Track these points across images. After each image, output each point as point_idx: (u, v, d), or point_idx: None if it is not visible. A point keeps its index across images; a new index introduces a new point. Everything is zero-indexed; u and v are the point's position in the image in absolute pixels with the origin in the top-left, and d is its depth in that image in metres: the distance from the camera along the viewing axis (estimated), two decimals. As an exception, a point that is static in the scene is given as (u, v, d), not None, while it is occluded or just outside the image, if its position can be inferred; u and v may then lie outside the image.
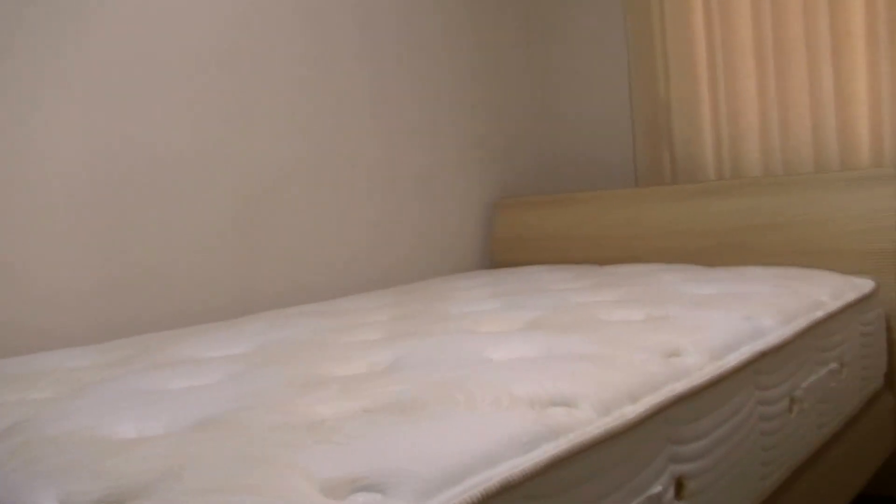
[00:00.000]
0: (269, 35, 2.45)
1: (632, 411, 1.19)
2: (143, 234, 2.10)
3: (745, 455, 1.49)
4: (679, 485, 1.30)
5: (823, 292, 2.08)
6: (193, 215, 2.22)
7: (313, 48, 2.59)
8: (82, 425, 1.09)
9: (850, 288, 2.21)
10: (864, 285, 2.29)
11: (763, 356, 1.60)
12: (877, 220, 2.46)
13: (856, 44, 2.80)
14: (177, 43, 2.20)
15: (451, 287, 2.42)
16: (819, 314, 1.92)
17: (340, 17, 2.68)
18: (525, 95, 3.52)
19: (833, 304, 2.03)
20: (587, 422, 1.12)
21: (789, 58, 2.89)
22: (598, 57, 3.45)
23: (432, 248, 3.00)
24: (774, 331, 1.71)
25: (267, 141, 2.43)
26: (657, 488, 1.22)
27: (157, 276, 2.13)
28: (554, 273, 2.61)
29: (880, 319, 2.33)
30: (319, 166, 2.59)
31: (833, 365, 1.95)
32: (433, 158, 3.03)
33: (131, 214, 2.08)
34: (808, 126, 2.87)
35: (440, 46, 3.08)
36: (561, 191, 3.54)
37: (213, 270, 2.26)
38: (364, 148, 2.75)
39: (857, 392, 2.14)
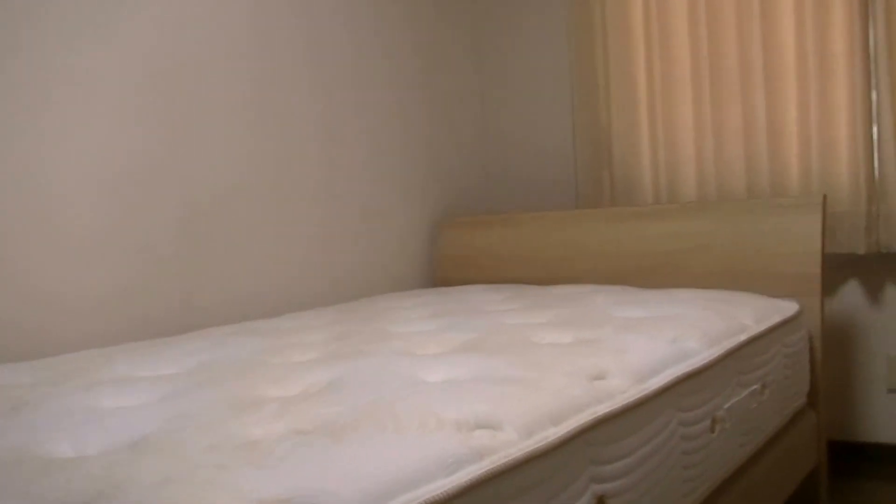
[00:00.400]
0: (216, 55, 2.47)
1: (554, 433, 1.25)
2: (84, 249, 2.11)
3: (666, 474, 1.55)
4: (601, 503, 1.36)
5: (748, 315, 2.16)
6: (136, 231, 2.23)
7: (262, 67, 2.62)
8: (14, 445, 1.12)
9: (774, 311, 2.30)
10: (789, 308, 2.38)
11: (686, 379, 1.66)
12: (803, 245, 2.56)
13: (787, 76, 2.91)
14: (125, 60, 2.21)
15: (392, 306, 2.46)
16: (742, 337, 1.99)
17: (288, 39, 2.72)
18: (470, 117, 3.58)
19: (757, 328, 2.10)
20: (510, 444, 1.17)
21: (724, 89, 2.99)
22: (542, 82, 3.52)
23: (377, 266, 3.04)
24: (699, 354, 1.78)
25: (211, 158, 2.45)
26: (578, 507, 1.27)
27: (97, 291, 2.14)
28: (494, 293, 2.66)
29: (804, 341, 2.42)
30: (264, 183, 2.62)
31: (755, 386, 2.03)
32: (378, 177, 3.07)
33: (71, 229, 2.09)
34: (741, 154, 2.97)
35: (386, 67, 3.13)
36: (504, 211, 3.61)
37: (154, 286, 2.28)
38: (309, 166, 2.78)
39: (780, 411, 2.22)
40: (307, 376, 1.51)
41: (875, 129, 2.77)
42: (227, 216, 2.50)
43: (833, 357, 2.99)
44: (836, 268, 2.95)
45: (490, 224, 3.20)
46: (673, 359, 1.70)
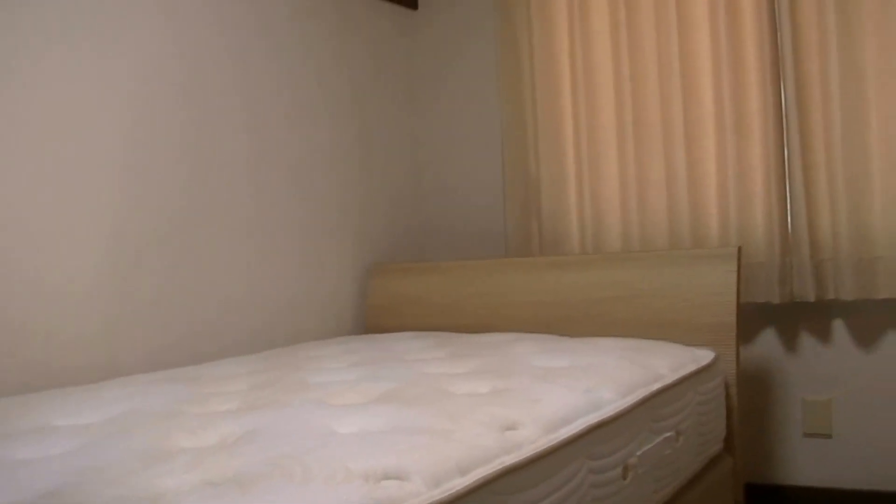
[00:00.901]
0: (146, 92, 2.50)
1: (461, 483, 1.29)
2: (3, 289, 2.11)
3: (576, 521, 1.60)
4: (508, 551, 1.40)
5: (664, 364, 2.23)
6: (58, 272, 2.24)
7: (193, 107, 2.65)
8: (-75, 499, 1.12)
9: (690, 360, 2.37)
10: (705, 356, 2.46)
11: (597, 428, 1.72)
12: (720, 294, 2.65)
13: (706, 133, 3.02)
14: (49, 102, 2.23)
15: (316, 354, 2.49)
16: (656, 386, 2.06)
17: (222, 80, 2.76)
18: (404, 165, 3.64)
19: (672, 377, 2.17)
20: (416, 494, 1.21)
21: (647, 143, 3.10)
22: (474, 133, 3.61)
23: (307, 312, 3.07)
24: (611, 403, 1.84)
25: (137, 200, 2.47)
26: (483, 555, 1.31)
27: (17, 336, 2.14)
28: (420, 341, 2.71)
29: (720, 388, 2.50)
30: (193, 226, 2.64)
31: (669, 433, 2.09)
32: (310, 223, 3.11)
33: (-4, 279, 2.09)
34: (663, 206, 3.07)
35: (321, 114, 3.18)
36: (436, 259, 3.67)
37: (76, 330, 2.28)
38: (239, 210, 2.81)
39: (696, 456, 2.29)
40: (223, 427, 1.54)
41: (788, 185, 2.88)
42: (155, 258, 2.51)
43: (751, 402, 3.08)
44: (754, 316, 3.06)
45: (421, 271, 3.25)
46: (585, 408, 1.76)
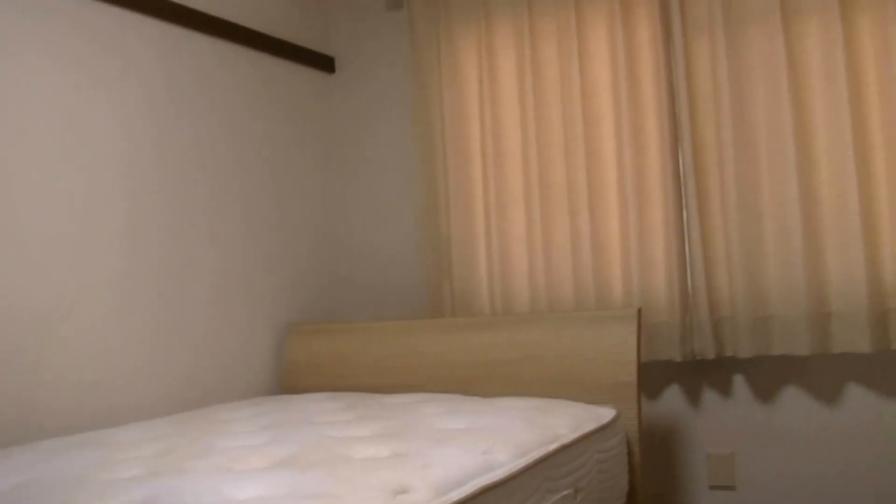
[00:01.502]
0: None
1: (346, 549, 1.35)
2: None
3: (468, 581, 1.67)
4: None
5: (564, 424, 2.32)
6: (-31, 348, 2.25)
7: (103, 167, 2.70)
8: None
9: (591, 418, 2.46)
10: (606, 415, 2.56)
11: (489, 489, 1.79)
12: (622, 354, 2.75)
13: (609, 194, 3.15)
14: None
15: (226, 418, 2.53)
16: (553, 446, 2.14)
17: (138, 142, 2.81)
18: (321, 226, 3.71)
19: (570, 436, 2.26)
20: (301, 561, 1.27)
21: (553, 206, 3.22)
22: (391, 194, 3.70)
23: (222, 373, 3.10)
24: (505, 465, 1.92)
25: (49, 262, 2.50)
26: None
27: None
28: (332, 402, 2.76)
29: (621, 445, 2.59)
30: (104, 290, 2.67)
31: (567, 491, 2.17)
32: (225, 284, 3.15)
33: None
34: (569, 268, 3.18)
35: (237, 174, 3.24)
36: (356, 319, 3.73)
37: (-13, 402, 2.29)
38: (153, 270, 2.85)
39: (597, 513, 2.37)
40: (125, 494, 1.58)
41: (687, 247, 3.02)
42: (67, 320, 2.54)
43: (657, 457, 3.18)
44: (658, 374, 3.17)
45: (336, 331, 3.31)
46: (479, 471, 1.83)
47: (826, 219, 2.84)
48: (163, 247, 2.90)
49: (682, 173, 3.04)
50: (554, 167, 3.24)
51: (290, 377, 3.33)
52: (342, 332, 3.30)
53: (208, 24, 3.16)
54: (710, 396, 3.11)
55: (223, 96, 3.22)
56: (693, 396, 3.13)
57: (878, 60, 2.78)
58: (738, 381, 3.07)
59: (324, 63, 3.80)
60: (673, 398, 3.16)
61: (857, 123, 2.78)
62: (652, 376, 3.19)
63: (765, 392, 3.03)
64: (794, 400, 2.99)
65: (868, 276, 2.74)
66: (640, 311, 2.78)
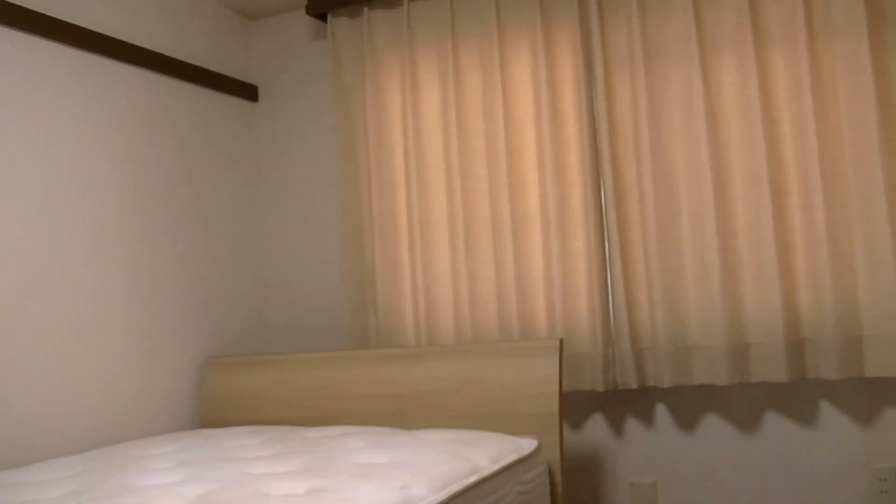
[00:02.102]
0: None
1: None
2: None
3: None
4: None
5: (485, 456, 2.32)
6: None
7: (23, 197, 2.64)
8: None
9: (512, 450, 2.47)
10: (528, 446, 2.56)
11: (406, 525, 1.78)
12: (544, 385, 2.77)
13: (532, 226, 3.18)
14: None
15: (143, 454, 2.48)
16: (472, 479, 2.14)
17: (59, 170, 2.76)
18: (244, 256, 3.68)
19: (490, 468, 2.26)
20: None
21: (477, 237, 3.24)
22: (315, 225, 3.69)
23: (142, 407, 3.04)
24: (424, 499, 1.91)
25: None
26: None
27: None
28: (253, 437, 2.72)
29: (543, 475, 2.60)
30: (23, 321, 2.60)
31: (487, 524, 2.17)
32: (145, 316, 3.10)
33: None
34: (493, 299, 3.20)
35: (158, 206, 3.20)
36: (276, 351, 3.69)
37: None
38: (72, 302, 2.79)
39: (518, 546, 2.37)
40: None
41: (609, 278, 3.06)
42: (-22, 365, 2.47)
43: (581, 486, 3.20)
44: (582, 404, 3.20)
45: (259, 364, 3.27)
46: (396, 506, 1.82)
47: (743, 251, 2.90)
48: (80, 275, 2.84)
49: (603, 206, 3.08)
50: (478, 198, 3.26)
51: (210, 411, 3.28)
52: (264, 365, 3.26)
53: (131, 54, 3.13)
54: (632, 425, 3.14)
55: (146, 126, 3.18)
56: (616, 425, 3.16)
57: (791, 96, 2.86)
58: (660, 410, 3.11)
59: (247, 92, 3.78)
60: (596, 427, 3.18)
61: (771, 157, 2.85)
62: (575, 406, 3.21)
63: (686, 421, 3.08)
64: (714, 428, 3.04)
65: (784, 307, 2.80)
66: (562, 342, 2.80)
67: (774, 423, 2.96)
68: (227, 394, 3.26)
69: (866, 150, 2.74)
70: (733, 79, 2.94)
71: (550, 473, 2.69)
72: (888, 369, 2.69)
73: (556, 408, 2.73)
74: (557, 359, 2.77)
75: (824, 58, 2.83)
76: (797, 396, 2.94)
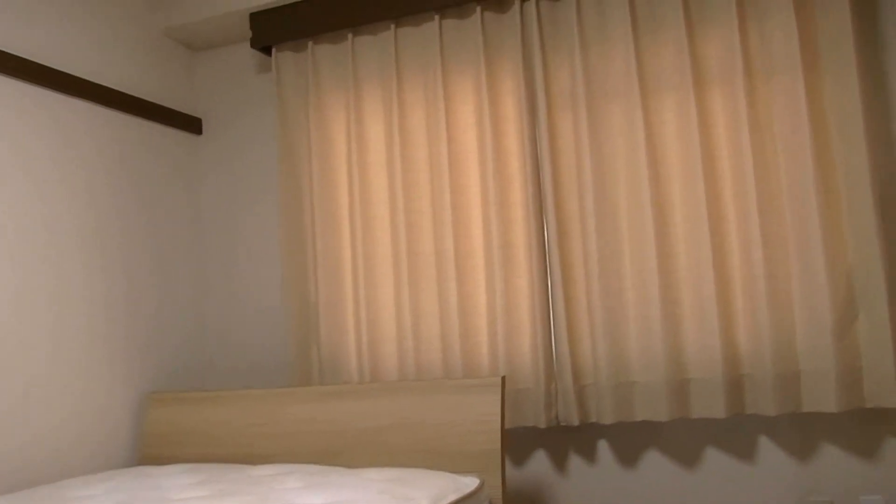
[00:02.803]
0: None
1: None
2: None
3: None
4: None
5: (425, 495, 2.30)
6: None
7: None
8: None
9: (454, 488, 2.45)
10: (470, 484, 2.55)
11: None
12: (486, 423, 2.76)
13: (476, 262, 3.19)
14: None
15: (76, 495, 2.42)
16: (412, 520, 2.12)
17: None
18: (186, 290, 3.63)
19: (430, 509, 2.24)
20: None
21: (421, 273, 3.23)
22: (258, 257, 3.66)
23: (78, 444, 2.97)
24: (361, 541, 1.89)
25: None
26: None
27: None
28: (190, 476, 2.67)
29: (485, 514, 2.59)
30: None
31: (427, 566, 2.15)
32: (82, 350, 3.04)
33: None
34: (436, 334, 3.19)
35: (99, 235, 3.15)
36: (221, 387, 3.64)
37: None
38: (2, 335, 2.73)
39: (458, 586, 2.35)
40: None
41: (552, 314, 3.07)
42: None
43: (525, 524, 3.19)
44: (524, 440, 3.19)
45: (200, 400, 3.22)
46: (333, 549, 1.79)
47: (683, 287, 2.93)
48: (10, 306, 2.78)
49: (546, 242, 3.09)
50: (422, 234, 3.26)
51: (150, 448, 3.21)
52: (205, 401, 3.21)
53: (78, 87, 3.09)
54: (575, 462, 3.14)
55: (87, 157, 3.14)
56: (558, 462, 3.16)
57: (729, 135, 2.91)
58: (602, 447, 3.12)
59: (191, 125, 3.75)
60: (538, 464, 3.18)
61: (710, 195, 2.89)
62: (518, 442, 3.21)
63: (628, 457, 3.08)
64: (655, 464, 3.05)
65: (722, 343, 2.83)
66: (503, 379, 2.80)
67: (714, 459, 2.98)
68: (167, 430, 3.20)
69: (802, 189, 2.79)
70: (674, 117, 2.98)
71: (492, 512, 2.68)
72: (824, 404, 2.73)
73: (498, 445, 2.72)
74: (500, 396, 2.77)
75: (762, 97, 2.88)
76: (736, 432, 2.96)
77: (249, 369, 3.62)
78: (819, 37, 2.84)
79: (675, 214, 2.96)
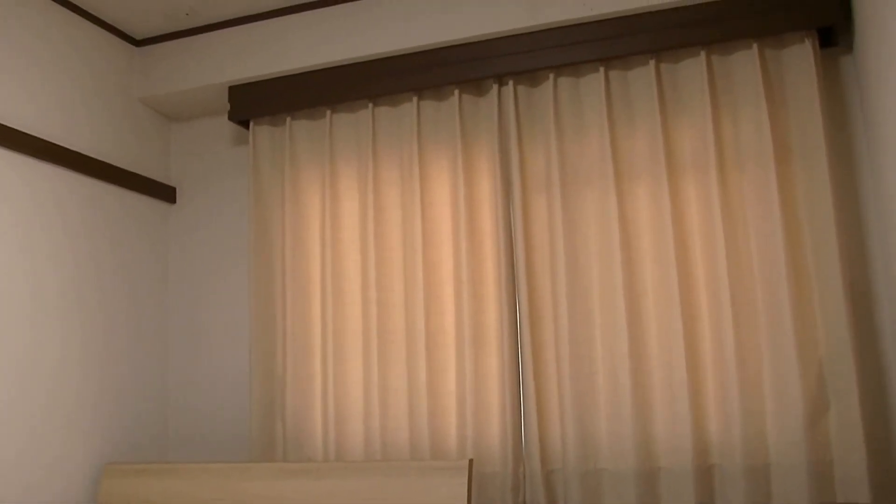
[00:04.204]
0: None
1: None
2: None
3: None
4: None
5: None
6: None
7: None
8: None
9: (418, 575, 2.38)
10: (434, 571, 2.48)
11: None
12: (452, 506, 2.70)
13: (446, 340, 3.16)
14: None
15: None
16: None
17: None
18: (148, 361, 3.56)
19: None
20: None
21: (390, 351, 3.19)
22: (225, 331, 3.61)
23: (27, 520, 2.87)
24: None
25: None
26: None
27: None
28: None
29: None
30: None
31: None
32: (36, 417, 2.95)
33: None
34: (404, 413, 3.14)
35: (63, 302, 3.09)
36: (180, 460, 3.55)
37: None
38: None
39: None
40: None
41: (522, 396, 3.03)
42: None
43: None
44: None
45: (160, 473, 3.13)
46: None
47: (654, 373, 2.91)
48: (-30, 380, 2.71)
49: (518, 323, 3.07)
50: (393, 311, 3.23)
51: (104, 523, 3.11)
52: (165, 474, 3.12)
53: (46, 151, 3.07)
54: (541, 548, 3.07)
55: (54, 223, 3.10)
56: (522, 549, 3.08)
57: (702, 222, 2.93)
58: (569, 534, 3.05)
59: (165, 193, 3.73)
60: (504, 550, 3.10)
61: (682, 281, 2.89)
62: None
63: (594, 545, 3.02)
64: (622, 554, 2.98)
65: (693, 432, 2.81)
66: (471, 462, 2.75)
67: (682, 550, 2.93)
68: (124, 503, 3.10)
69: (774, 277, 2.81)
70: (647, 203, 3.00)
71: None
72: (794, 499, 2.70)
73: (463, 530, 2.66)
74: (466, 479, 2.72)
75: (734, 187, 2.92)
76: (705, 523, 2.91)
77: (210, 440, 3.54)
78: (790, 128, 2.90)
79: (647, 299, 2.96)
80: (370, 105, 3.37)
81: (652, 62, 3.03)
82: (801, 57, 2.90)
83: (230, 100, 3.55)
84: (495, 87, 3.22)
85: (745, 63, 2.96)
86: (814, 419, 2.73)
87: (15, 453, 2.84)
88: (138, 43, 3.66)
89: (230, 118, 3.54)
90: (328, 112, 3.43)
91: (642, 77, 3.07)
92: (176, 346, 3.67)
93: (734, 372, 2.80)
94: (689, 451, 2.81)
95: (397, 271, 3.25)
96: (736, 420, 2.78)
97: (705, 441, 2.84)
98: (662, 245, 2.94)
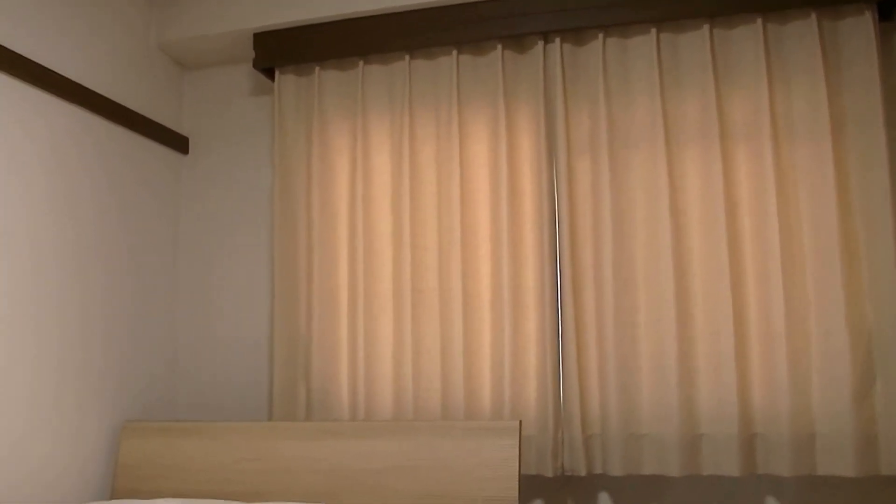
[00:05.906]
0: None
1: None
2: None
3: None
4: None
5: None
6: None
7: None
8: None
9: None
10: (489, 534, 2.43)
11: None
12: (499, 468, 2.65)
13: (483, 302, 3.08)
14: None
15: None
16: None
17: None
18: (165, 316, 3.42)
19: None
20: None
21: (424, 310, 3.11)
22: (242, 285, 3.49)
23: (49, 476, 2.73)
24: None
25: None
26: None
27: None
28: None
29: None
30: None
31: None
32: (52, 376, 2.81)
33: None
34: (437, 374, 3.06)
35: (77, 252, 2.95)
36: (196, 417, 3.43)
37: None
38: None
39: None
40: None
41: (561, 361, 2.98)
42: None
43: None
44: (525, 488, 3.07)
45: (181, 431, 3.01)
46: None
47: (700, 341, 2.88)
48: None
49: (559, 288, 3.01)
50: (427, 271, 3.14)
51: (126, 480, 2.99)
52: (186, 432, 3.01)
53: (61, 86, 2.91)
54: (572, 514, 3.04)
55: (70, 162, 2.95)
56: (557, 514, 3.05)
57: (753, 193, 2.90)
58: (604, 499, 3.02)
59: (177, 142, 3.58)
60: (536, 516, 3.07)
61: (732, 250, 2.87)
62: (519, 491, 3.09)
63: (628, 512, 3.00)
64: (652, 521, 2.97)
65: (739, 400, 2.79)
66: (521, 423, 2.70)
67: (716, 518, 2.93)
68: (144, 462, 2.98)
69: (826, 251, 2.79)
70: (697, 169, 2.96)
71: (505, 563, 2.56)
72: (840, 468, 2.71)
73: (514, 493, 2.61)
74: (517, 441, 2.66)
75: (787, 157, 2.89)
76: (744, 491, 2.91)
77: (225, 403, 3.42)
78: (846, 100, 2.87)
79: (693, 267, 2.93)
80: (406, 57, 3.26)
81: (706, 27, 2.98)
82: (859, 29, 2.87)
83: (255, 47, 3.40)
84: (540, 43, 3.14)
85: (801, 33, 2.92)
86: (861, 392, 2.73)
87: (28, 415, 2.71)
88: (160, -15, 3.50)
89: (255, 66, 3.40)
90: (360, 63, 3.31)
91: (695, 41, 3.01)
92: (188, 305, 3.53)
93: (781, 342, 2.79)
94: (733, 419, 2.79)
95: (432, 231, 3.16)
96: (781, 389, 2.77)
97: (750, 409, 2.83)
98: (712, 213, 2.90)
